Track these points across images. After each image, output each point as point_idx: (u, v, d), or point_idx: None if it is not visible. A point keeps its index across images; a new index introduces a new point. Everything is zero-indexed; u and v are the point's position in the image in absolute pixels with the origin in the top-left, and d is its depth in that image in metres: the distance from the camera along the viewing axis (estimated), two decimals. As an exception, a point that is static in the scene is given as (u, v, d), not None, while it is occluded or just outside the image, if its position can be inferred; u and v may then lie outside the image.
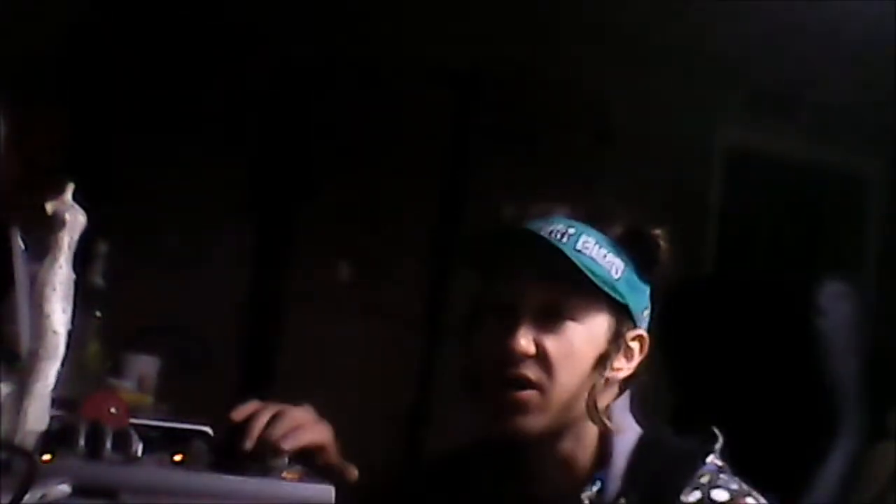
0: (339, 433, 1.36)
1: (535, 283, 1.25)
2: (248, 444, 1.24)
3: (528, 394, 1.24)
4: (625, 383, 1.31)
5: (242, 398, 1.31)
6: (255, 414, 1.27)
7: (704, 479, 1.22)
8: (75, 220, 1.49)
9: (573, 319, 1.25)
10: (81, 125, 3.33)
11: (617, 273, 1.25)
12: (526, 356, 1.23)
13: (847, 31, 3.94)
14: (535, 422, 1.24)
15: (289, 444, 1.27)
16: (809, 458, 1.82)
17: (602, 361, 1.25)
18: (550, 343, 1.24)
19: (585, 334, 1.25)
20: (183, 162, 3.78)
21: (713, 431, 1.29)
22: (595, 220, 1.28)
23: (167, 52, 3.81)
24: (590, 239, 1.25)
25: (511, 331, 1.24)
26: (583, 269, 1.21)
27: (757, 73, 4.40)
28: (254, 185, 3.97)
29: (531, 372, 1.24)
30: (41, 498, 1.19)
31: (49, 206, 1.47)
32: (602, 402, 1.26)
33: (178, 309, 3.68)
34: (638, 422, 1.31)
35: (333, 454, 1.34)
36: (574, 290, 1.24)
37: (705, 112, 4.44)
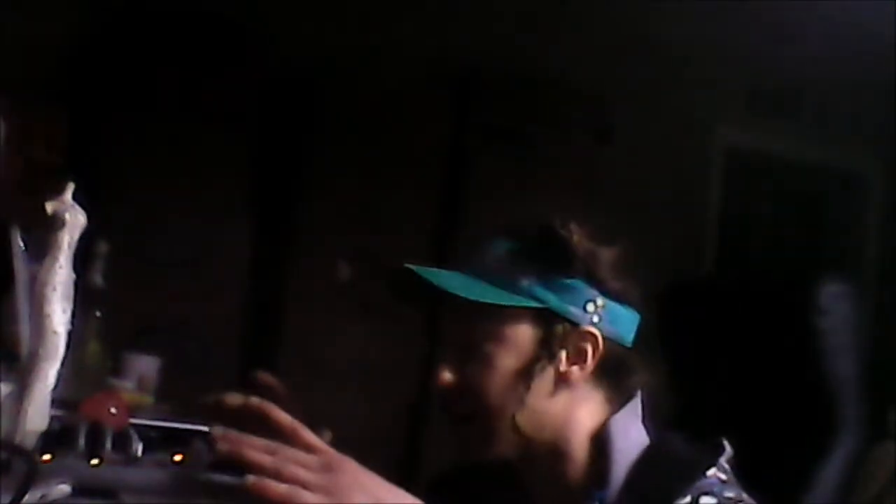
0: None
1: (448, 316, 1.28)
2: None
3: (470, 427, 1.25)
4: (623, 393, 1.28)
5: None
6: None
7: (700, 491, 1.18)
8: (75, 220, 1.49)
9: (488, 340, 1.25)
10: (81, 125, 3.34)
11: (528, 278, 1.24)
12: (451, 390, 1.26)
13: (847, 31, 3.94)
14: (492, 449, 1.25)
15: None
16: (809, 458, 1.82)
17: (528, 370, 1.24)
18: (469, 370, 1.25)
19: (503, 348, 1.25)
20: (183, 162, 3.78)
21: (721, 442, 1.26)
22: (511, 232, 1.29)
23: (166, 51, 3.80)
24: (497, 253, 1.27)
25: (437, 366, 1.27)
26: (464, 288, 1.23)
27: (757, 72, 4.40)
28: (254, 185, 3.97)
29: (463, 405, 1.25)
30: (41, 498, 1.19)
31: (49, 206, 1.47)
32: (590, 418, 1.26)
33: (178, 309, 3.68)
34: (649, 432, 1.27)
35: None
36: (475, 312, 1.24)
37: (705, 112, 4.44)
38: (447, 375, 1.26)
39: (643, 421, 1.29)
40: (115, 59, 3.75)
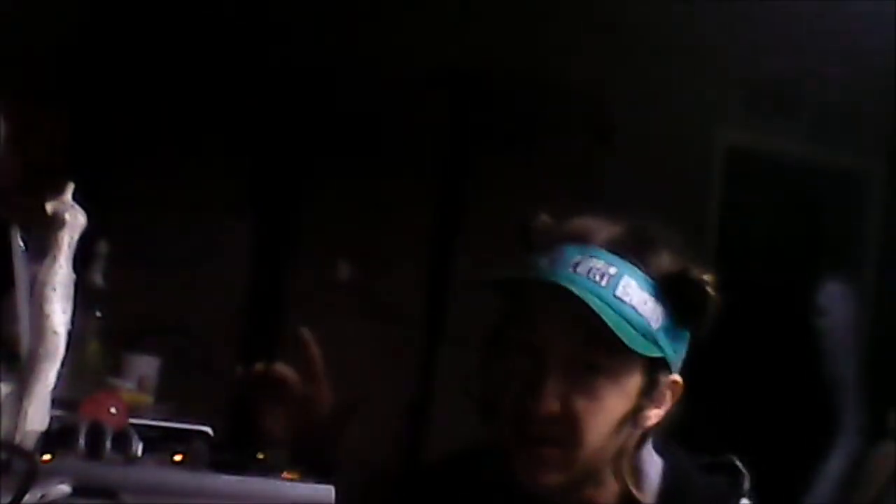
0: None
1: (568, 333, 1.14)
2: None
3: (551, 452, 1.15)
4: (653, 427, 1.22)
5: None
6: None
7: None
8: (75, 220, 1.49)
9: (606, 376, 1.14)
10: (81, 125, 3.34)
11: (657, 322, 1.15)
12: (552, 415, 1.14)
13: (847, 31, 3.94)
14: (556, 477, 1.15)
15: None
16: (809, 458, 1.82)
17: (633, 416, 1.16)
18: (580, 401, 1.14)
19: (618, 390, 1.15)
20: (183, 162, 3.79)
21: (736, 466, 1.22)
22: (637, 253, 1.17)
23: (167, 51, 3.81)
24: (631, 282, 1.14)
25: (537, 385, 1.14)
26: (620, 326, 1.11)
27: (756, 72, 4.40)
28: (254, 185, 3.97)
29: (556, 430, 1.14)
30: (41, 498, 1.19)
31: (49, 206, 1.47)
32: (628, 450, 1.19)
33: (178, 309, 3.69)
34: (658, 450, 1.23)
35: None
36: (610, 346, 1.12)
37: (705, 111, 4.44)
38: (551, 401, 1.12)
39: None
40: (115, 58, 3.75)
